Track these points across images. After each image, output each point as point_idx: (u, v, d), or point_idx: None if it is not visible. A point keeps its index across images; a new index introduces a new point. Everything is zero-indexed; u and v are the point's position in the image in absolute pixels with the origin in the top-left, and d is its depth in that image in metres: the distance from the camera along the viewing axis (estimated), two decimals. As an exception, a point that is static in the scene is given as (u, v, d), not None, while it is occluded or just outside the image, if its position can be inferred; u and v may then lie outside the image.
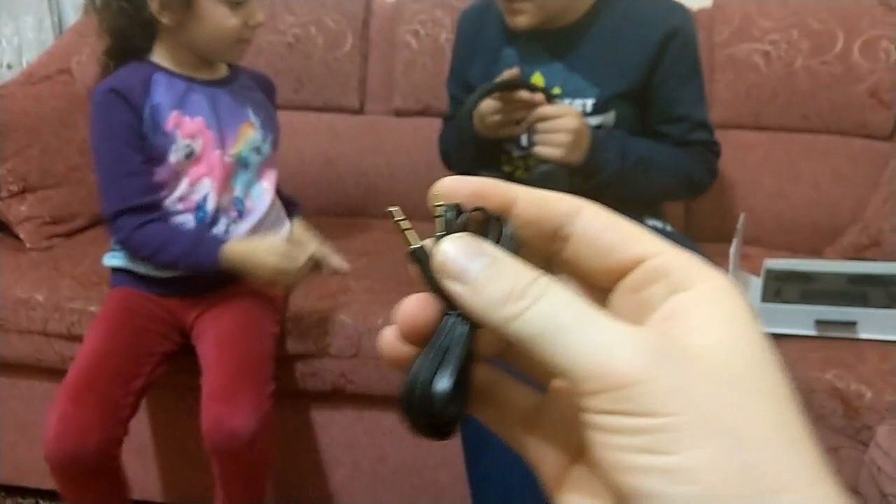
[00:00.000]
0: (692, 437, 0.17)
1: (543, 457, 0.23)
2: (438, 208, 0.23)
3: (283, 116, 1.63)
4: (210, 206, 1.13)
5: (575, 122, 1.02)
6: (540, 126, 1.04)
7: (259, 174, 1.20)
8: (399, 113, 1.70)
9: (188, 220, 1.13)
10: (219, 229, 1.14)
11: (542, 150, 1.03)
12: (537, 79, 1.16)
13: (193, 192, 1.13)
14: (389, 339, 0.23)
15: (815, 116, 1.52)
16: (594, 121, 1.13)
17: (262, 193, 1.21)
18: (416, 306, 0.23)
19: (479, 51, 1.22)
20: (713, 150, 1.20)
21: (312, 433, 1.29)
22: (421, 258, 0.22)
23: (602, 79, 1.14)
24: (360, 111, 1.71)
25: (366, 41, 1.70)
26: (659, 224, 1.25)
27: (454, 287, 0.21)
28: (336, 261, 1.17)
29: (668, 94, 1.15)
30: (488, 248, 0.21)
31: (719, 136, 1.22)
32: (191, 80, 1.14)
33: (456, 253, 0.21)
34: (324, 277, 1.23)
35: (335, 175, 1.69)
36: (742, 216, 1.21)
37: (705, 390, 0.18)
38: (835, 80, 1.49)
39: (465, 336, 0.22)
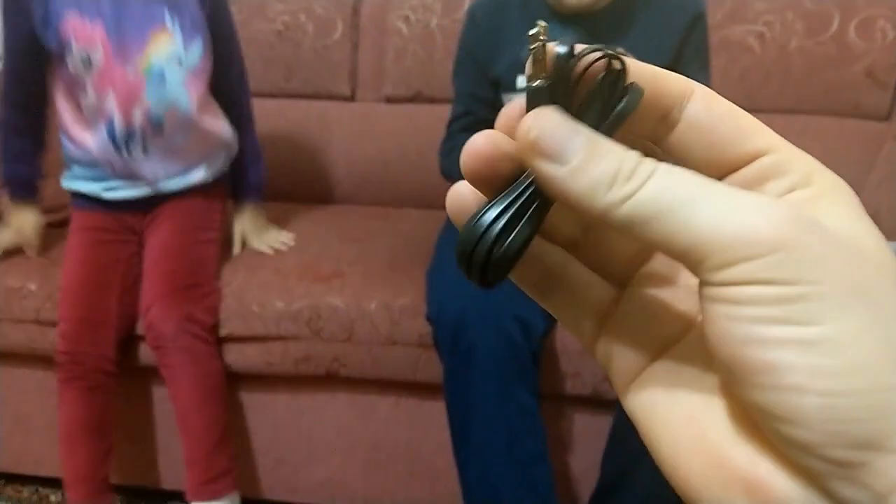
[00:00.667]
0: (837, 308, 0.16)
1: (617, 355, 0.22)
2: (539, 42, 0.20)
3: (273, 104, 1.65)
4: (117, 123, 1.13)
5: None
6: None
7: (187, 86, 1.15)
8: (390, 100, 1.69)
9: (102, 133, 1.16)
10: (134, 147, 1.17)
11: None
12: None
13: (102, 103, 1.13)
14: (458, 187, 0.22)
15: (810, 98, 1.51)
16: None
17: (190, 106, 1.16)
18: (486, 141, 0.21)
19: (503, 42, 1.20)
20: None
21: (306, 419, 1.29)
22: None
23: (636, 58, 1.14)
24: (351, 98, 1.71)
25: (356, 28, 1.69)
26: None
27: (548, 169, 0.19)
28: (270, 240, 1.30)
29: (687, 74, 1.16)
30: (582, 126, 0.19)
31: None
32: None
33: (552, 128, 0.19)
34: (317, 259, 1.24)
35: (327, 163, 1.68)
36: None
37: (851, 261, 0.17)
38: (830, 60, 1.48)
39: (539, 209, 0.20)
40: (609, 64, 0.20)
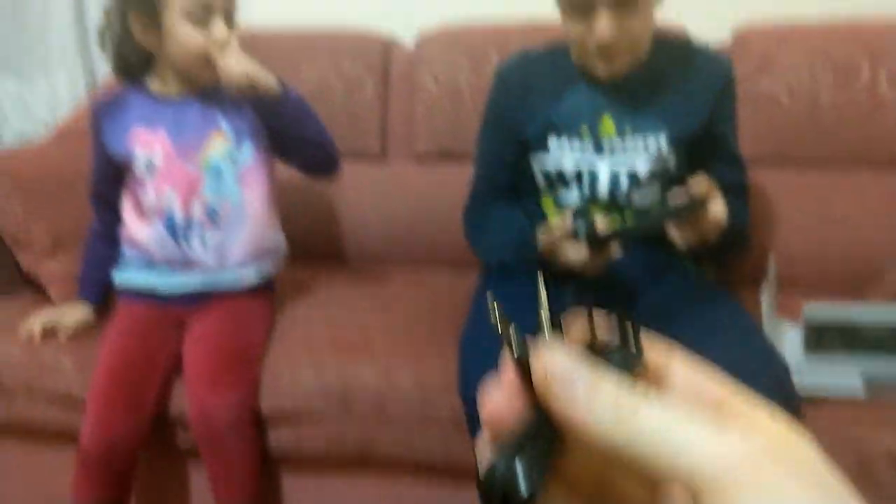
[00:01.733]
0: None
1: None
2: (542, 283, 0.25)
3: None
4: (177, 215, 1.24)
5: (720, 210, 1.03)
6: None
7: (240, 183, 1.26)
8: (420, 157, 1.69)
9: (159, 227, 1.25)
10: (192, 236, 1.25)
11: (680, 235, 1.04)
12: (607, 121, 1.17)
13: (160, 201, 1.24)
14: (494, 403, 0.24)
15: (843, 151, 1.48)
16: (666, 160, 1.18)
17: (244, 203, 1.27)
18: (505, 406, 0.24)
19: (534, 103, 1.20)
20: (748, 200, 1.22)
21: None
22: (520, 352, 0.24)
23: (670, 119, 1.17)
24: (381, 157, 1.72)
25: (385, 87, 1.71)
26: (696, 269, 1.24)
27: (559, 402, 0.22)
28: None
29: (721, 135, 1.22)
30: (583, 367, 0.22)
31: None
32: (163, 96, 1.23)
33: (563, 368, 0.22)
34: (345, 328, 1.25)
35: (358, 221, 1.69)
36: (771, 258, 1.17)
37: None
38: (862, 112, 1.45)
39: (554, 441, 0.23)
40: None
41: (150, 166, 1.23)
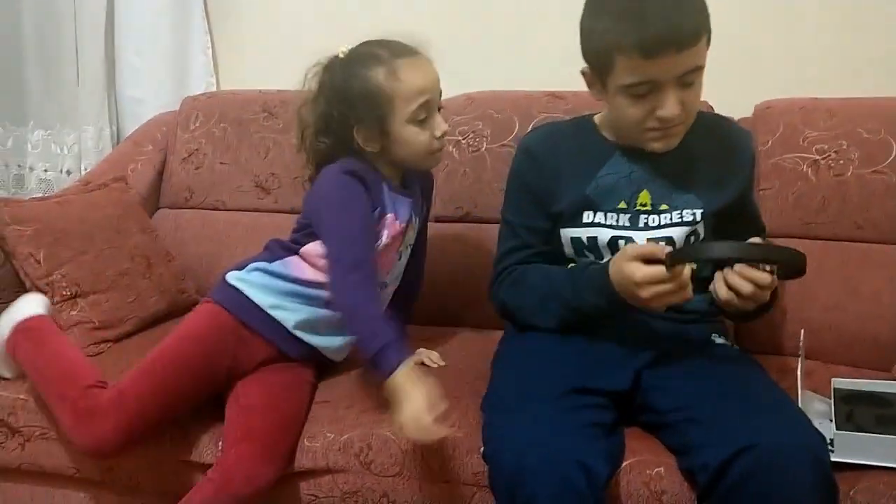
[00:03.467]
0: None
1: None
2: None
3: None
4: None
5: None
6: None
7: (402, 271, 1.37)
8: (439, 219, 1.69)
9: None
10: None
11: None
12: (644, 196, 1.19)
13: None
14: None
15: (869, 226, 1.48)
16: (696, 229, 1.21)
17: (394, 279, 1.36)
18: None
19: (563, 177, 1.21)
20: None
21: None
22: None
23: (706, 194, 1.19)
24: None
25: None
26: (722, 341, 1.23)
27: None
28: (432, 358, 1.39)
29: (749, 208, 1.28)
30: None
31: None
32: (400, 190, 1.30)
33: None
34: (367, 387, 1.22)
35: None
36: (802, 333, 1.15)
37: None
38: (889, 188, 1.46)
39: None
40: None
41: (381, 248, 1.27)
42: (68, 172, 2.13)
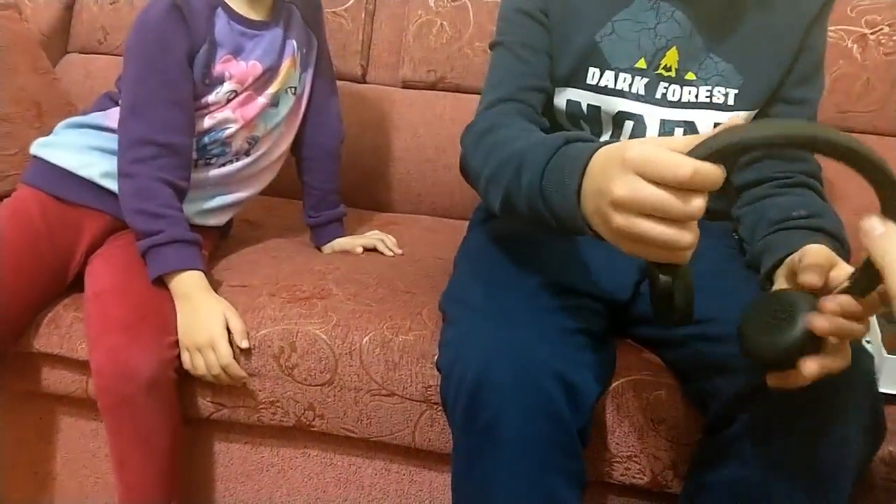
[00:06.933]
0: None
1: None
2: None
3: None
4: (233, 147, 1.05)
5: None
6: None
7: (287, 117, 1.10)
8: (407, 84, 1.43)
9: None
10: (217, 160, 1.05)
11: None
12: (671, 57, 0.88)
13: (217, 129, 1.03)
14: None
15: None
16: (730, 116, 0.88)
17: (279, 139, 1.11)
18: None
19: (575, 14, 0.89)
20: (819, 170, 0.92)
21: (268, 478, 1.00)
22: None
23: (749, 67, 0.87)
24: (361, 80, 1.45)
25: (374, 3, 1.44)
26: None
27: None
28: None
29: (799, 70, 0.90)
30: None
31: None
32: (249, 23, 1.02)
33: None
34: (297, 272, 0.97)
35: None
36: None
37: None
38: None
39: None
40: None
41: (231, 97, 1.03)
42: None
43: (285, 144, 1.11)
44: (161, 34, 0.94)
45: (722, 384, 0.75)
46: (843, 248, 0.78)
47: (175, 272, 0.91)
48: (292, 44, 1.07)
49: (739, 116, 0.89)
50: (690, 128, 0.88)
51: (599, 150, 0.60)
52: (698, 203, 0.52)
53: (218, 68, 0.99)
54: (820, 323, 0.58)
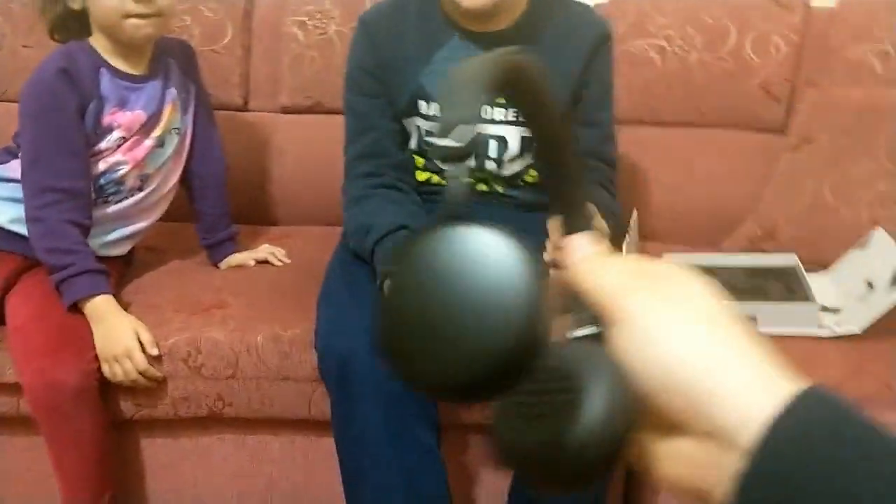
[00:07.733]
0: None
1: None
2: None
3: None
4: (127, 185, 1.17)
5: None
6: None
7: (174, 155, 1.23)
8: (286, 110, 1.59)
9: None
10: (113, 198, 1.17)
11: None
12: None
13: (111, 171, 1.16)
14: None
15: (710, 111, 1.51)
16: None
17: (168, 174, 1.23)
18: None
19: (403, 62, 1.10)
20: (613, 172, 1.17)
21: (190, 464, 1.17)
22: None
23: None
24: (243, 108, 1.59)
25: (248, 33, 1.58)
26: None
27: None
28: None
29: (589, 98, 1.14)
30: None
31: (618, 131, 1.20)
32: (131, 77, 1.15)
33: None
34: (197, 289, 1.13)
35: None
36: (634, 212, 1.17)
37: None
38: (728, 74, 1.49)
39: None
40: None
41: (121, 143, 1.16)
42: None
43: (174, 178, 1.25)
44: (52, 96, 1.08)
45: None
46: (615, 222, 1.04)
47: (88, 297, 1.06)
48: (172, 91, 1.21)
49: None
50: (502, 141, 1.11)
51: None
52: None
53: (107, 119, 1.13)
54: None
